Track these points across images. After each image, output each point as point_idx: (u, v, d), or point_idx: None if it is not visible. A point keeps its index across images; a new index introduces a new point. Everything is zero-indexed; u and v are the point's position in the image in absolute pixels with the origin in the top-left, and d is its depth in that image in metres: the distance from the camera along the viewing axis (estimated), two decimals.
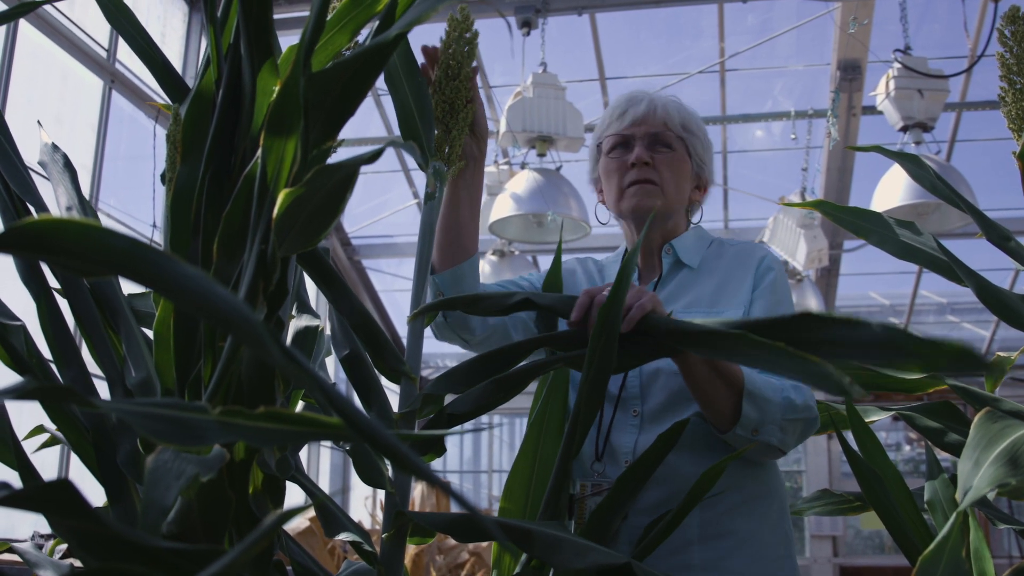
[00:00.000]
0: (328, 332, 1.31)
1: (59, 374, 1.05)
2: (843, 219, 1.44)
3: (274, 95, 0.79)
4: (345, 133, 0.92)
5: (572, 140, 4.99)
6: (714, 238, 1.59)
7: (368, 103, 6.67)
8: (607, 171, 1.56)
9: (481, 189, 1.46)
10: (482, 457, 10.47)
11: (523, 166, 5.28)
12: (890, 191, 4.69)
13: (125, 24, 1.11)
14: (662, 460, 1.16)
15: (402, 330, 8.37)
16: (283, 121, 0.79)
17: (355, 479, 8.17)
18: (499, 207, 5.11)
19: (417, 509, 6.13)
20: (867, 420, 1.47)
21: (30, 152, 1.15)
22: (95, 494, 0.68)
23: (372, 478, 1.12)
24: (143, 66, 1.13)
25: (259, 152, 0.82)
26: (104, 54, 4.98)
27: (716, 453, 1.35)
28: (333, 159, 0.95)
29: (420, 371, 1.20)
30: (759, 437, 1.29)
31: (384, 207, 8.01)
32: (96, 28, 4.89)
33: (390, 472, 1.14)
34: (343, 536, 1.09)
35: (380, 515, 6.11)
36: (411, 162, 7.30)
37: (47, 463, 4.31)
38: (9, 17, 1.06)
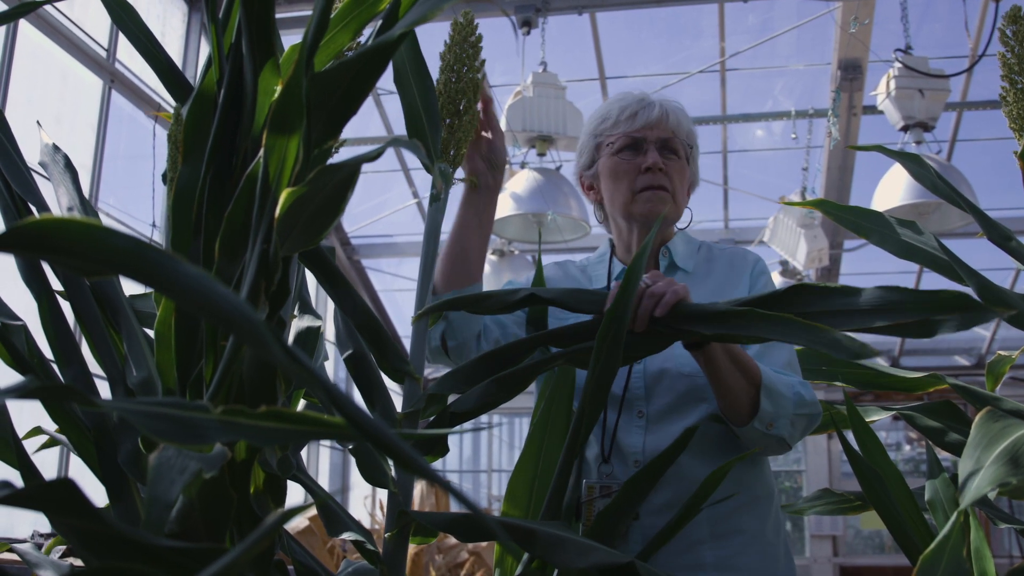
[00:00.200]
0: (331, 332, 1.31)
1: (60, 373, 1.05)
2: (844, 218, 1.44)
3: (276, 95, 0.79)
4: (345, 133, 0.92)
5: (572, 140, 4.98)
6: (701, 242, 1.61)
7: (368, 102, 6.67)
8: (615, 171, 1.54)
9: (492, 218, 1.45)
10: (482, 456, 10.48)
11: (523, 166, 5.28)
12: (891, 190, 4.69)
13: (129, 24, 1.11)
14: (673, 463, 1.16)
15: (402, 330, 8.37)
16: (285, 121, 0.79)
17: (354, 479, 8.18)
18: (499, 206, 5.09)
19: (416, 509, 6.13)
20: (868, 419, 1.47)
21: (30, 151, 1.16)
22: (95, 493, 0.68)
23: (375, 477, 1.12)
24: (143, 66, 1.13)
25: (261, 152, 0.82)
26: (104, 54, 4.98)
27: (724, 454, 1.38)
28: (333, 159, 0.95)
29: (424, 371, 1.20)
30: (773, 431, 1.33)
31: (384, 207, 8.01)
32: (96, 28, 4.89)
33: (393, 471, 1.14)
34: (345, 535, 1.10)
35: (380, 515, 6.12)
36: (411, 161, 7.31)
37: (47, 462, 4.31)
38: (9, 17, 1.06)
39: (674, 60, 7.64)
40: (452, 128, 1.26)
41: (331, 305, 1.20)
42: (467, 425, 1.48)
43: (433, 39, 1.34)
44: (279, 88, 0.85)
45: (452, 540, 5.17)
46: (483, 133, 1.41)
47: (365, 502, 7.34)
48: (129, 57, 5.09)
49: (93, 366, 1.07)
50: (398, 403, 1.17)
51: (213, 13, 0.96)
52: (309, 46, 0.80)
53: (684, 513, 1.15)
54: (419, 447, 1.13)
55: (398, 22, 0.92)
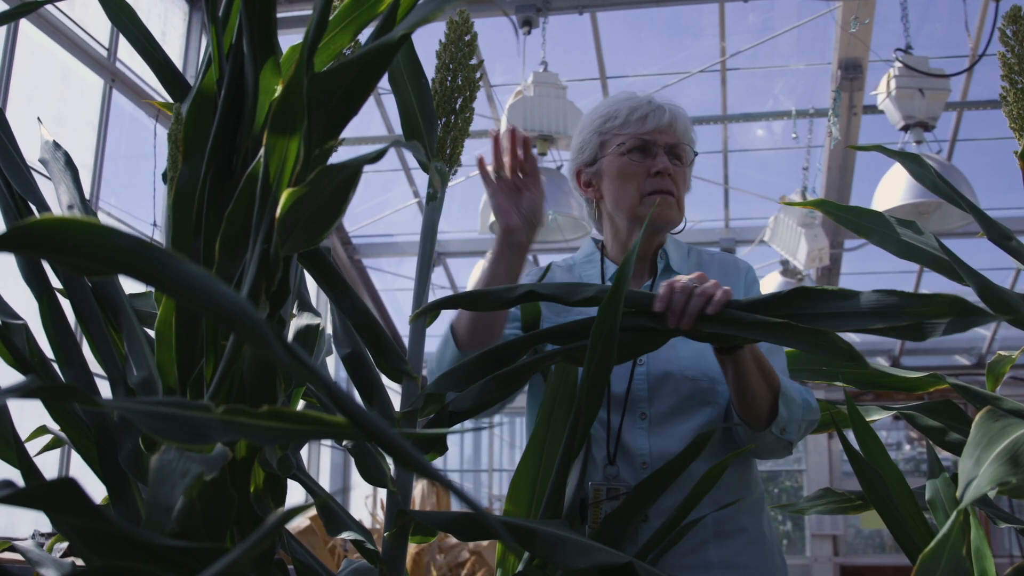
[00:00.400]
0: (329, 331, 1.31)
1: (61, 373, 1.05)
2: (844, 218, 1.44)
3: (277, 94, 0.80)
4: (345, 132, 0.92)
5: (573, 139, 4.98)
6: (690, 246, 1.62)
7: (369, 102, 6.66)
8: (623, 172, 1.52)
9: (520, 274, 1.41)
10: (482, 456, 10.48)
11: None
12: (891, 190, 4.69)
13: (127, 23, 1.11)
14: (685, 468, 1.17)
15: (402, 329, 8.38)
16: (286, 121, 0.79)
17: (355, 478, 8.18)
18: None
19: (417, 508, 6.13)
20: (868, 419, 1.47)
21: (31, 151, 1.16)
22: (94, 493, 0.68)
23: (374, 477, 1.12)
24: (143, 65, 1.13)
25: (261, 151, 0.82)
26: (105, 53, 4.99)
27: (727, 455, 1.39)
28: (333, 159, 0.95)
29: (422, 370, 1.20)
30: (784, 436, 1.37)
31: (384, 206, 8.01)
32: (97, 27, 4.89)
33: (392, 471, 1.14)
34: (346, 535, 1.10)
35: (380, 514, 6.13)
36: (412, 161, 7.30)
37: (47, 462, 4.31)
38: (10, 17, 1.06)
39: (675, 59, 7.64)
40: (448, 127, 1.27)
41: (330, 304, 1.20)
42: (468, 424, 1.48)
43: (430, 38, 1.34)
44: (280, 88, 0.85)
45: (453, 540, 5.17)
46: (523, 186, 1.38)
47: (366, 502, 7.34)
48: (130, 56, 5.09)
49: (94, 365, 1.07)
50: (396, 402, 1.17)
51: (213, 12, 0.96)
52: (309, 46, 0.80)
53: (684, 510, 1.15)
54: (418, 446, 1.13)
55: (399, 23, 0.92)
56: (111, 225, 0.54)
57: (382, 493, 7.45)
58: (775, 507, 2.04)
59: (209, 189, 0.92)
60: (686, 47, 7.68)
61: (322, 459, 8.05)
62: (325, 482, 8.00)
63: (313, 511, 3.97)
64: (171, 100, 1.13)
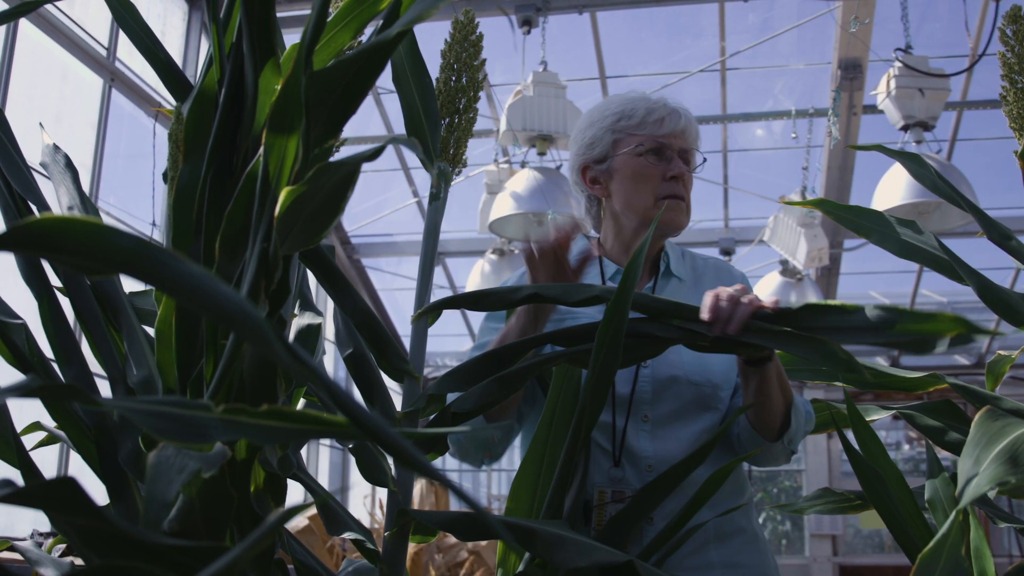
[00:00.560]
0: (331, 331, 1.31)
1: (60, 372, 1.05)
2: (844, 218, 1.44)
3: (276, 94, 0.80)
4: (345, 132, 0.92)
5: (579, 133, 4.98)
6: (683, 249, 1.62)
7: (368, 101, 6.67)
8: (639, 174, 1.50)
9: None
10: None
11: (523, 165, 5.28)
12: (891, 190, 4.69)
13: (131, 22, 1.11)
14: (690, 472, 1.17)
15: (401, 328, 8.37)
16: (285, 119, 0.79)
17: (354, 478, 8.18)
18: (499, 206, 5.11)
19: (415, 508, 6.12)
20: (868, 419, 1.47)
21: (31, 151, 1.16)
22: (94, 493, 0.68)
23: (375, 476, 1.12)
24: (143, 64, 1.13)
25: (261, 150, 0.82)
26: (104, 52, 4.98)
27: (728, 459, 1.42)
28: (333, 158, 0.95)
29: (423, 370, 1.20)
30: (791, 446, 1.42)
31: (384, 206, 8.01)
32: (96, 26, 4.89)
33: (393, 470, 1.14)
34: (345, 534, 1.10)
35: (379, 514, 6.13)
36: (411, 160, 7.31)
37: (46, 461, 4.31)
38: (10, 17, 1.06)
39: (674, 59, 7.65)
40: (451, 127, 1.26)
41: (331, 303, 1.20)
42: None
43: (433, 38, 1.34)
44: (279, 87, 0.85)
45: (452, 539, 5.17)
46: (561, 268, 1.36)
47: (365, 501, 7.34)
48: (129, 56, 5.09)
49: (93, 365, 1.07)
50: (397, 402, 1.17)
51: (214, 12, 0.96)
52: (308, 44, 0.80)
53: (688, 513, 1.16)
54: (419, 446, 1.13)
55: (396, 21, 0.92)
56: (110, 224, 0.54)
57: (381, 492, 7.45)
58: (774, 507, 2.04)
59: (209, 188, 0.92)
60: (686, 47, 7.68)
61: (321, 459, 8.05)
62: (324, 482, 8.00)
63: (312, 511, 3.97)
64: (171, 99, 1.13)
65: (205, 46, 5.77)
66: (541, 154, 5.13)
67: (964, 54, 5.81)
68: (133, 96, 5.23)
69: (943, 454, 1.56)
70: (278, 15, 0.88)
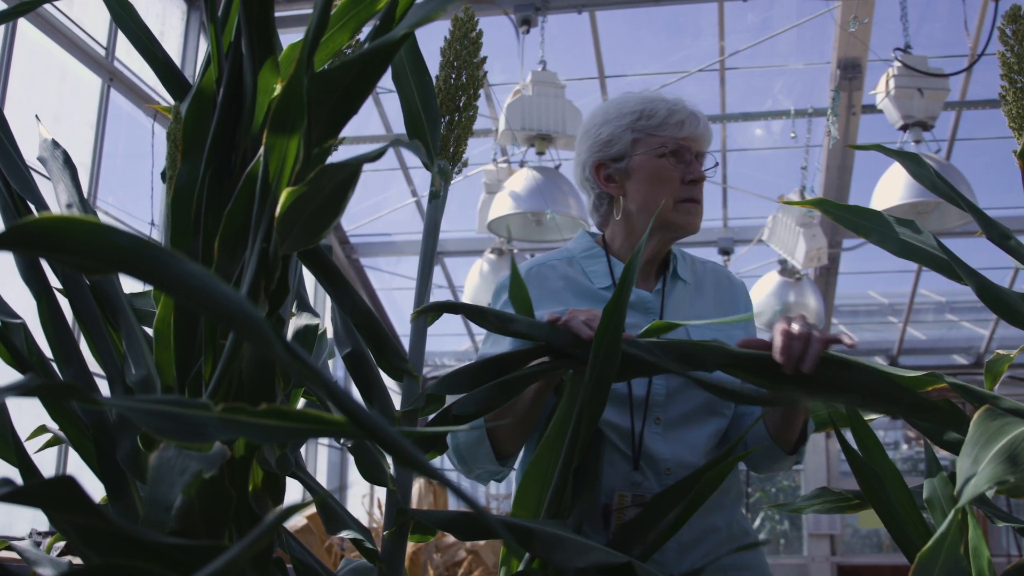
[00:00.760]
0: (330, 330, 1.31)
1: (59, 372, 1.05)
2: (843, 217, 1.44)
3: (277, 93, 0.80)
4: (344, 132, 0.92)
5: (571, 138, 4.98)
6: (681, 251, 1.62)
7: (368, 101, 6.66)
8: (659, 175, 1.49)
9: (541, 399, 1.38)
10: None
11: (522, 164, 5.28)
12: (890, 189, 4.69)
13: (129, 22, 1.11)
14: (724, 478, 1.19)
15: (400, 328, 8.37)
16: (286, 119, 0.79)
17: (353, 477, 8.17)
18: (498, 205, 5.11)
19: (414, 507, 6.10)
20: (866, 418, 1.47)
21: (29, 150, 1.15)
22: (93, 491, 0.68)
23: (374, 475, 1.12)
24: (142, 64, 1.13)
25: (261, 150, 0.82)
26: (103, 52, 4.98)
27: (733, 465, 1.45)
28: (332, 158, 0.95)
29: (422, 369, 1.20)
30: (800, 456, 1.47)
31: (383, 205, 8.01)
32: (95, 26, 4.89)
33: (392, 469, 1.14)
34: (344, 533, 1.10)
35: (378, 513, 6.13)
36: (410, 160, 7.30)
37: (45, 460, 4.31)
38: (9, 16, 1.06)
39: (673, 59, 7.65)
40: (451, 125, 1.26)
41: (329, 303, 1.20)
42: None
43: (432, 36, 1.34)
44: (279, 87, 0.85)
45: (450, 539, 5.17)
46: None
47: (363, 500, 7.34)
48: (128, 55, 5.09)
49: (92, 364, 1.07)
50: (396, 402, 1.17)
51: (212, 12, 0.96)
52: (310, 44, 0.80)
53: (687, 513, 1.16)
54: (418, 445, 1.13)
55: (400, 22, 0.92)
56: (109, 224, 0.54)
57: (379, 492, 7.45)
58: (772, 506, 2.04)
59: (208, 188, 0.92)
60: (685, 46, 7.68)
61: (320, 458, 8.05)
62: (322, 481, 7.99)
63: (311, 510, 3.97)
64: (170, 99, 1.13)
65: (204, 46, 5.76)
66: (540, 153, 5.12)
67: (963, 54, 5.81)
68: (132, 96, 5.22)
69: (941, 454, 1.56)
70: (276, 14, 0.88)
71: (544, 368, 1.14)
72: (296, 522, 4.55)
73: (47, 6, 4.35)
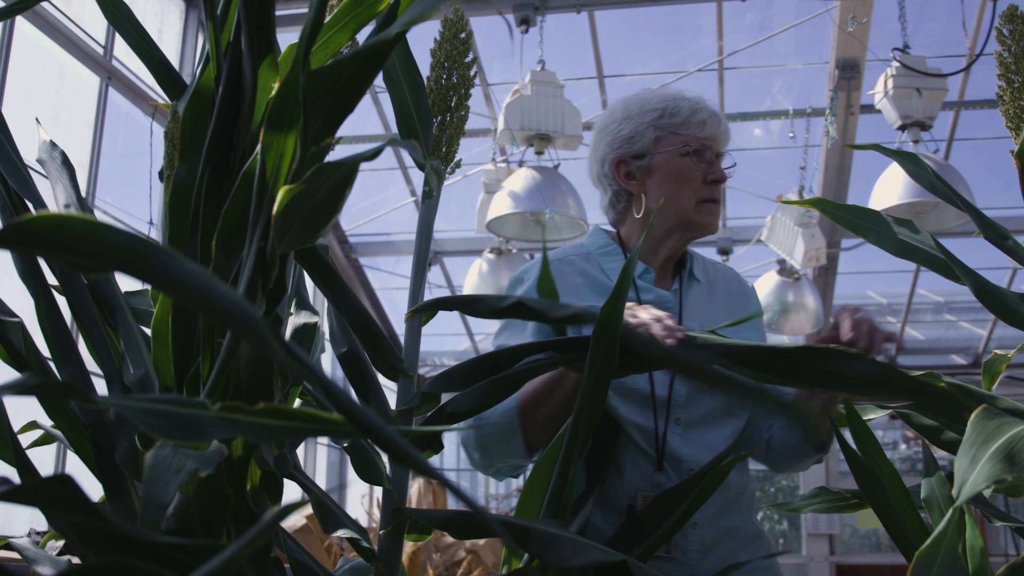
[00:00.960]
0: (326, 329, 1.31)
1: (57, 371, 1.05)
2: (841, 217, 1.44)
3: (274, 92, 0.79)
4: (342, 130, 0.92)
5: (570, 138, 4.98)
6: (695, 252, 1.62)
7: (366, 100, 6.67)
8: (682, 174, 1.49)
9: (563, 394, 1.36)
10: None
11: (521, 164, 5.28)
12: (888, 189, 4.69)
13: (123, 22, 1.11)
14: (726, 475, 1.19)
15: (399, 328, 8.37)
16: (283, 118, 0.79)
17: (352, 476, 8.17)
18: (497, 205, 5.10)
19: (413, 507, 6.11)
20: (864, 418, 1.47)
21: (28, 149, 1.15)
22: (91, 491, 0.68)
23: (370, 475, 1.12)
24: (140, 63, 1.13)
25: (258, 149, 0.82)
26: (101, 51, 4.98)
27: (753, 462, 1.50)
28: (329, 157, 0.95)
29: (418, 369, 1.20)
30: (823, 454, 1.49)
31: (381, 205, 8.01)
32: (93, 25, 4.88)
33: (388, 469, 1.14)
34: (341, 533, 1.10)
35: (377, 513, 6.13)
36: (409, 160, 7.30)
37: (43, 460, 4.30)
38: (6, 14, 1.05)
39: (672, 59, 7.64)
40: (443, 125, 1.26)
41: (325, 303, 1.20)
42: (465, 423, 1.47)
43: (421, 38, 1.34)
44: (276, 85, 0.85)
45: (450, 538, 5.17)
46: None
47: (362, 500, 7.34)
48: (126, 54, 5.08)
49: (90, 363, 1.07)
50: (392, 401, 1.17)
51: (212, 10, 0.96)
52: (306, 43, 0.80)
53: (690, 510, 1.16)
54: (415, 444, 1.13)
55: (395, 21, 0.92)
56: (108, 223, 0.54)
57: (378, 491, 7.44)
58: (771, 506, 2.04)
59: (206, 187, 0.92)
60: (684, 46, 7.68)
61: (319, 457, 8.05)
62: (321, 480, 8.00)
63: (309, 509, 3.97)
64: (168, 99, 1.13)
65: (202, 44, 5.75)
66: (539, 153, 5.12)
67: (962, 54, 5.82)
68: (130, 94, 5.22)
69: (939, 453, 1.56)
70: (276, 13, 0.88)
71: (540, 365, 1.13)
72: (295, 522, 4.55)
73: (45, 4, 4.35)
